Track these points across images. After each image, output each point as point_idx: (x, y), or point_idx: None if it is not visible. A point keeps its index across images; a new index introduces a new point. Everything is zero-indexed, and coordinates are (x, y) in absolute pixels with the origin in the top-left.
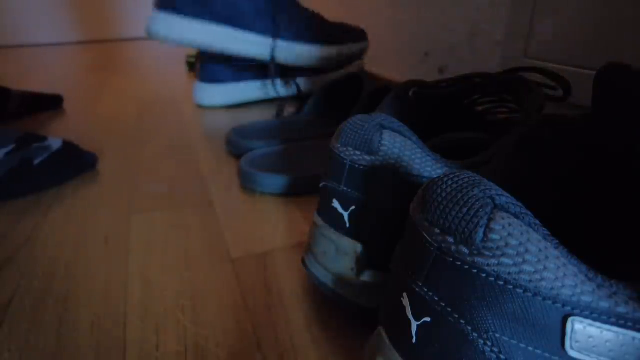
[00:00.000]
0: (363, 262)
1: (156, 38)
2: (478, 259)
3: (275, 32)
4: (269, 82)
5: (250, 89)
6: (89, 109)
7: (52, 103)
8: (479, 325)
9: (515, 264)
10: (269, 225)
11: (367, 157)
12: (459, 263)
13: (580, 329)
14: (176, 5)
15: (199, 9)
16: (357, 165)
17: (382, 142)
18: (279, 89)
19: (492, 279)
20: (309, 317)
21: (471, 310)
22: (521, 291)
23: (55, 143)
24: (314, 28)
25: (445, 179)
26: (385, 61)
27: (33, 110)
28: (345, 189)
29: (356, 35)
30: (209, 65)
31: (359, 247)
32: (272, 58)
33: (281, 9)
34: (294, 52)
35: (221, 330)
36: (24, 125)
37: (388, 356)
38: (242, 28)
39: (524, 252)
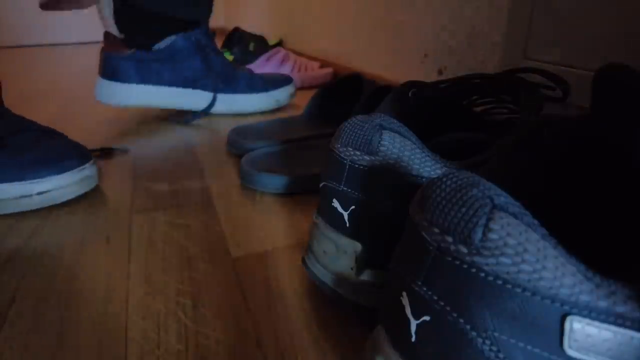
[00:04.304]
0: (363, 262)
1: (105, 103)
2: (477, 259)
3: (215, 88)
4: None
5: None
6: (90, 109)
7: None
8: (478, 324)
9: (513, 264)
10: (269, 225)
11: (367, 157)
12: (458, 262)
13: (579, 328)
14: (120, 77)
15: (144, 77)
16: (356, 165)
17: (382, 143)
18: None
19: (491, 278)
20: (309, 316)
21: (470, 309)
22: (520, 290)
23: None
24: (247, 81)
25: (445, 179)
26: (385, 62)
27: None
28: (345, 188)
29: (283, 80)
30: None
31: (358, 246)
32: (209, 106)
33: (217, 71)
34: (231, 101)
35: (221, 328)
36: None
37: (387, 355)
38: (185, 87)
39: (523, 251)
